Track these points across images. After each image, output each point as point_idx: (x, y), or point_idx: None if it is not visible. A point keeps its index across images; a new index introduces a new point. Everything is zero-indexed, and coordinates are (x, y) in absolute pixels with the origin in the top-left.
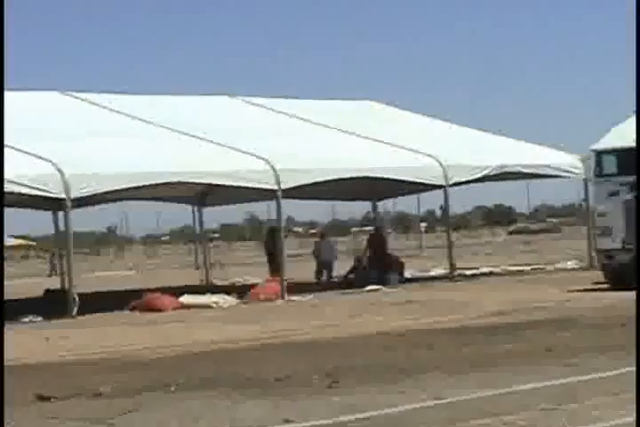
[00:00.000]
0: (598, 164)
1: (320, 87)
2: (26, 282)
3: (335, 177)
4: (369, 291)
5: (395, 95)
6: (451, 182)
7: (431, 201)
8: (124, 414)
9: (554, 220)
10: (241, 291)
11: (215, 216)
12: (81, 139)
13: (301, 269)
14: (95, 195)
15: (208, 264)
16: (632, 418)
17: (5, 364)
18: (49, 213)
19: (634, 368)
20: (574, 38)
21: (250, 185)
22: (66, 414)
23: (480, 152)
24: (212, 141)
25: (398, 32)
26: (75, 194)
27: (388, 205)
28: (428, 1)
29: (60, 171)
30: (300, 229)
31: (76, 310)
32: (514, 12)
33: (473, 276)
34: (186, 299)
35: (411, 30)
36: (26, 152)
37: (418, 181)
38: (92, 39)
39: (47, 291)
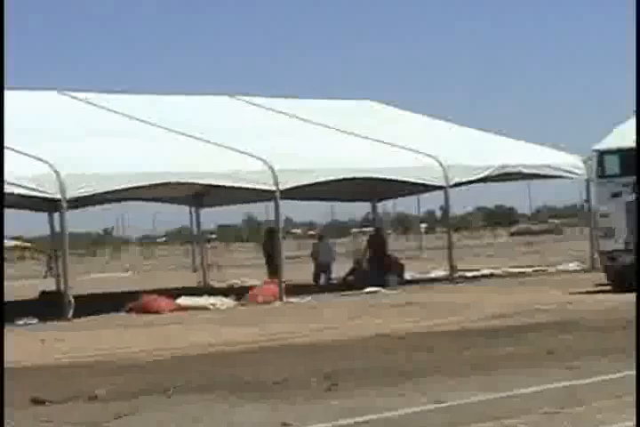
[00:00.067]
0: (600, 164)
1: (320, 87)
2: (21, 284)
3: (334, 177)
4: (368, 293)
5: (395, 95)
6: (451, 183)
7: (431, 202)
8: (120, 417)
9: (556, 221)
10: (239, 293)
11: (212, 217)
12: (79, 139)
13: (300, 270)
14: (93, 195)
15: (205, 266)
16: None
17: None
18: (44, 214)
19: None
20: (574, 38)
21: (248, 186)
22: (61, 418)
23: (481, 152)
24: (209, 142)
25: (398, 32)
26: (73, 194)
27: (388, 206)
28: (428, 1)
29: (56, 171)
30: (298, 231)
31: (71, 312)
32: (514, 12)
33: (474, 277)
34: (183, 301)
35: (411, 30)
36: (23, 153)
37: (418, 181)
38: (92, 39)
39: (43, 293)
